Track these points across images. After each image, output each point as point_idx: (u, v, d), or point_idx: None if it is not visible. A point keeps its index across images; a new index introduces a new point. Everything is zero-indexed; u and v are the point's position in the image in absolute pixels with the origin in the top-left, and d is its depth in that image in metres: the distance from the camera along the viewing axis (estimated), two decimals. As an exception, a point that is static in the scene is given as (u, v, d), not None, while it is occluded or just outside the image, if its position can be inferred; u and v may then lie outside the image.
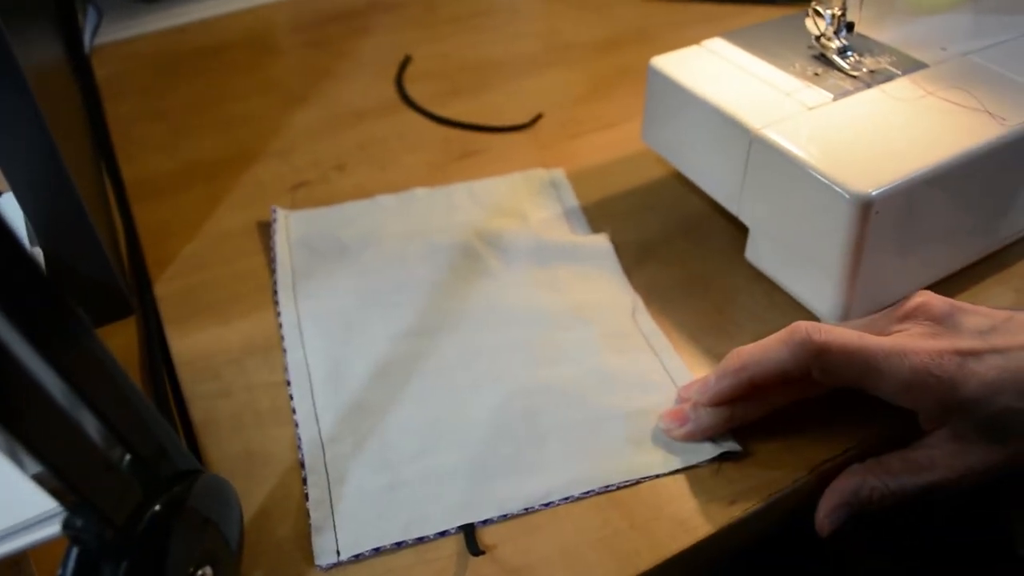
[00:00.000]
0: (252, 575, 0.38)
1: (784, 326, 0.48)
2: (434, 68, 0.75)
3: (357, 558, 0.38)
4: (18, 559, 0.36)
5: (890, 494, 0.39)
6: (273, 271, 0.53)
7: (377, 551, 0.39)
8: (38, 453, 0.23)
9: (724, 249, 0.53)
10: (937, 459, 0.39)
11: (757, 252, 0.49)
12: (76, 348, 0.24)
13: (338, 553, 0.38)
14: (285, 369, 0.48)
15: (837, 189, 0.42)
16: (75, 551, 0.28)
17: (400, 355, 0.47)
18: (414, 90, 0.72)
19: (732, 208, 0.50)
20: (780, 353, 0.40)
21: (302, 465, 0.42)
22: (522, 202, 0.58)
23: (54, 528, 0.34)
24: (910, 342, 0.39)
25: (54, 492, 0.30)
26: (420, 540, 0.39)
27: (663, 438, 0.42)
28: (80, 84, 0.69)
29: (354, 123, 0.68)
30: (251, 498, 0.41)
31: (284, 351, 0.48)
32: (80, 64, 0.70)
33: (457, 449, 0.42)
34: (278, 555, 0.39)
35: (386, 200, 0.59)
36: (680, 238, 0.55)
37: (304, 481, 0.41)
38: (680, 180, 0.59)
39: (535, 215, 0.57)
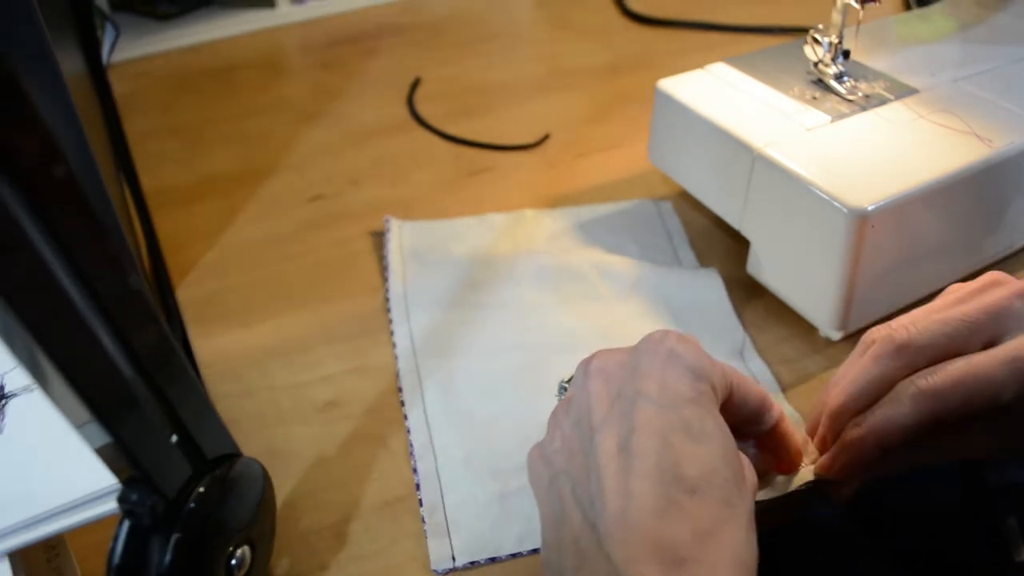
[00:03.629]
0: (279, 564, 0.40)
1: (782, 336, 0.50)
2: (442, 90, 0.78)
3: (473, 564, 0.39)
4: (54, 543, 0.37)
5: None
6: (385, 279, 0.55)
7: (493, 560, 0.39)
8: (110, 427, 0.25)
9: (726, 262, 0.55)
10: None
11: (758, 265, 0.52)
12: (145, 331, 0.26)
13: (453, 559, 0.39)
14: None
15: (835, 204, 0.44)
16: (127, 524, 0.29)
17: (506, 368, 0.48)
18: (423, 110, 0.74)
19: (734, 223, 0.52)
20: (868, 371, 0.35)
21: (415, 471, 0.43)
22: (628, 229, 0.59)
23: (92, 511, 0.35)
24: None
25: (112, 467, 0.32)
26: (534, 551, 0.39)
27: None
28: (99, 99, 0.71)
29: (366, 140, 0.71)
30: (275, 493, 0.43)
31: (396, 358, 0.50)
32: (99, 80, 0.72)
33: None
34: (302, 546, 0.41)
35: (495, 218, 0.60)
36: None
37: (417, 487, 0.42)
38: (683, 197, 0.61)
39: (640, 244, 0.57)
